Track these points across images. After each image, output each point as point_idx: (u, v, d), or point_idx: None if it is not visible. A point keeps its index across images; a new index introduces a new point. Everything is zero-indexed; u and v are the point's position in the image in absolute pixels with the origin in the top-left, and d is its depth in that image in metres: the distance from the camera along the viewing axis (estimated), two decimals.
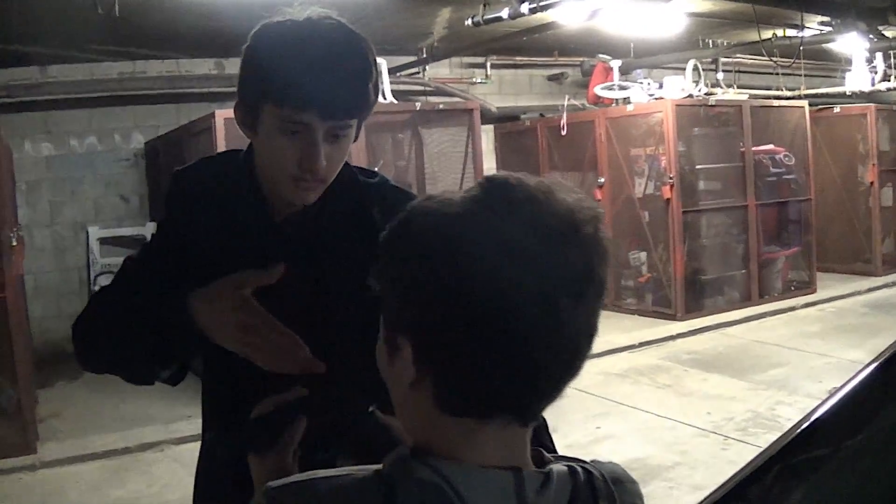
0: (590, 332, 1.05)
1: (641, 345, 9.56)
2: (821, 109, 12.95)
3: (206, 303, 1.64)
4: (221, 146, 7.20)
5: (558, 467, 1.08)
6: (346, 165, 1.83)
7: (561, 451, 1.87)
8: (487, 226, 1.00)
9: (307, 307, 1.76)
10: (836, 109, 13.33)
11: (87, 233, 10.12)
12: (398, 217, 1.08)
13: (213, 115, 7.43)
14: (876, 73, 12.36)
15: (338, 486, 1.03)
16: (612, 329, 10.18)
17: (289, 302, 1.71)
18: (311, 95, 1.63)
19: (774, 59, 10.00)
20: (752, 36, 10.25)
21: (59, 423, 7.21)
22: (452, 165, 8.84)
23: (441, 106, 9.27)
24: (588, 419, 6.71)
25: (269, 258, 1.71)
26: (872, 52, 11.68)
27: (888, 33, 9.52)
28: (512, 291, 0.97)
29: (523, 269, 0.98)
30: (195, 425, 6.76)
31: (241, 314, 1.62)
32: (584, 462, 1.12)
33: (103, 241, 10.12)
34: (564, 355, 1.03)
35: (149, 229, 10.04)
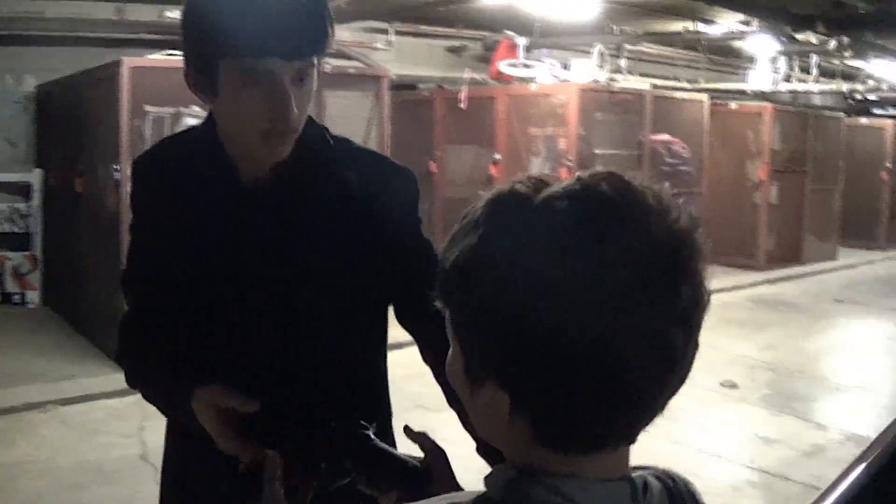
0: (695, 353, 0.95)
1: None
2: (718, 104, 13.18)
3: (199, 412, 1.59)
4: (126, 97, 7.01)
5: (641, 471, 1.01)
6: (312, 120, 1.75)
7: (459, 428, 1.85)
8: (591, 253, 0.87)
9: (281, 276, 1.71)
10: (733, 106, 13.63)
11: None
12: (470, 237, 0.93)
13: (119, 63, 7.12)
14: (778, 73, 12.65)
15: None
16: None
17: (262, 271, 1.69)
18: (270, 38, 1.53)
19: (681, 51, 10.14)
20: (661, 26, 10.37)
21: None
22: (354, 130, 8.67)
23: (352, 71, 9.10)
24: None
25: (242, 225, 1.68)
26: (783, 53, 11.95)
27: (799, 37, 9.74)
28: (626, 330, 0.87)
29: (635, 305, 0.87)
30: (81, 385, 6.67)
31: (222, 434, 1.56)
32: (645, 466, 1.04)
33: None
34: (676, 383, 0.94)
35: (35, 176, 9.71)
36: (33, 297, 9.57)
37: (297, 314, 1.73)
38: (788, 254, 13.87)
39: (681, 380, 0.94)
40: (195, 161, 1.75)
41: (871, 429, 6.49)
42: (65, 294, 9.04)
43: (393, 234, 1.79)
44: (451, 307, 0.97)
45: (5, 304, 9.47)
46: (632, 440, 0.97)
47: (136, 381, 1.83)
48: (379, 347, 1.93)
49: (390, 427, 1.90)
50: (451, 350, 1.00)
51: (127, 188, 6.96)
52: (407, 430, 1.50)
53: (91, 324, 8.08)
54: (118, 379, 6.89)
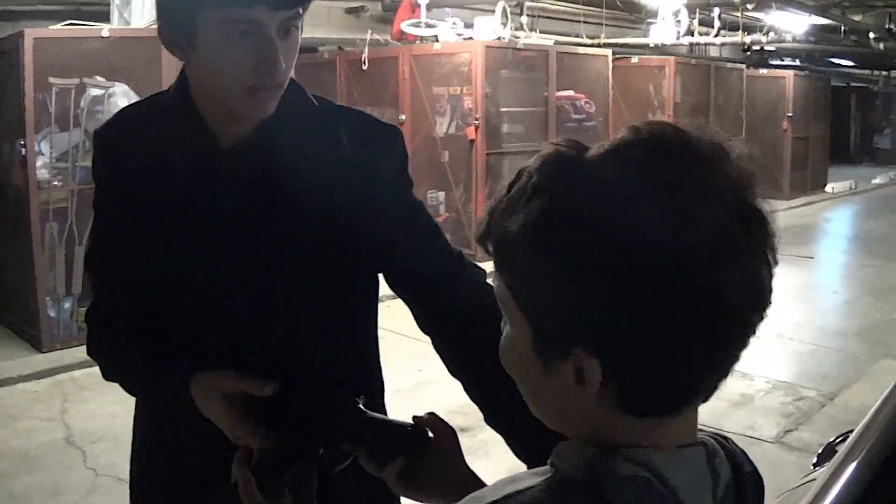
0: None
1: None
2: (619, 59, 13.21)
3: (200, 399, 1.50)
4: (30, 68, 6.68)
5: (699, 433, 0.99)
6: (292, 80, 1.62)
7: (388, 397, 1.80)
8: (680, 196, 0.84)
9: (267, 242, 1.62)
10: (635, 60, 13.72)
11: None
12: (535, 201, 0.88)
13: (20, 34, 6.75)
14: (680, 26, 12.72)
15: None
16: None
17: (245, 237, 1.60)
18: None
19: (582, 6, 10.09)
20: None
21: None
22: None
23: None
24: (408, 363, 6.54)
25: (221, 191, 1.60)
26: (686, 6, 12.02)
27: None
28: (728, 271, 0.84)
29: (735, 244, 0.85)
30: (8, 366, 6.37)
31: (229, 421, 1.47)
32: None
33: None
34: (758, 327, 0.91)
35: None
36: None
37: (286, 283, 1.63)
38: None
39: (760, 323, 0.91)
40: (165, 127, 1.63)
41: (793, 375, 6.58)
42: None
43: (385, 194, 1.69)
44: (519, 278, 0.91)
45: None
46: (711, 396, 0.95)
47: (114, 374, 1.72)
48: (370, 315, 1.83)
49: (382, 397, 1.83)
50: (506, 333, 0.96)
51: (34, 164, 6.68)
52: (415, 418, 1.42)
53: (2, 306, 7.75)
54: (35, 361, 6.68)
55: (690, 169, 0.86)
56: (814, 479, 2.05)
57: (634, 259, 0.82)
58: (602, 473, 0.89)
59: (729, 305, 0.85)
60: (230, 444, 1.45)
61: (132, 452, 1.86)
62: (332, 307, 1.69)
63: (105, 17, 7.68)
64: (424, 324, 1.74)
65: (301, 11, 1.51)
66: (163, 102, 1.68)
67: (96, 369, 1.78)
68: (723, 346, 0.89)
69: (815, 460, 2.61)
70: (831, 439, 2.60)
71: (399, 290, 1.76)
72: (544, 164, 0.91)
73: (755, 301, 0.88)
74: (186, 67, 1.61)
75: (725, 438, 1.00)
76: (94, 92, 6.94)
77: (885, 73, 23.94)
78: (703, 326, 0.85)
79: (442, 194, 10.99)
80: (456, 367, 1.70)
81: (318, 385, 1.44)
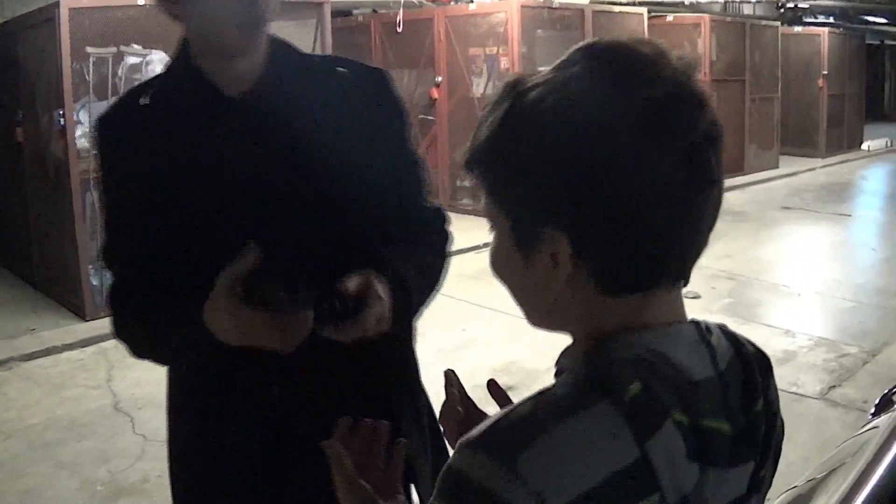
0: (721, 193, 1.01)
1: (486, 245, 9.45)
2: (655, 17, 13.13)
3: (211, 314, 1.59)
4: (66, 39, 6.69)
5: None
6: (274, 37, 1.77)
7: (431, 357, 1.86)
8: (619, 90, 0.94)
9: (283, 186, 1.72)
10: (670, 18, 13.60)
11: None
12: (501, 107, 0.99)
13: (56, 4, 6.75)
14: None
15: (556, 418, 0.93)
16: (453, 230, 10.14)
17: (262, 181, 1.70)
18: None
19: None
20: None
21: None
22: None
23: None
24: (452, 323, 6.67)
25: (232, 138, 1.69)
26: None
27: None
28: (666, 148, 0.93)
29: (672, 123, 0.94)
30: (41, 339, 6.49)
31: (236, 321, 1.57)
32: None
33: None
34: (714, 208, 1.00)
35: None
36: None
37: (294, 221, 1.73)
38: (731, 164, 13.94)
39: (716, 207, 1.00)
40: (170, 94, 1.74)
41: (835, 332, 6.60)
42: (13, 248, 8.74)
43: (379, 139, 1.81)
44: (494, 174, 1.02)
45: None
46: (685, 278, 1.02)
47: (142, 346, 1.82)
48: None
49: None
50: (492, 241, 1.05)
51: (73, 134, 6.73)
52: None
53: (45, 276, 7.84)
54: (80, 329, 6.72)
55: (630, 60, 0.96)
56: (876, 427, 2.13)
57: (586, 141, 0.93)
58: (603, 363, 0.96)
59: (678, 177, 0.93)
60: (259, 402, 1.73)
61: (168, 419, 2.00)
62: (338, 244, 1.75)
63: None
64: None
65: None
66: (164, 77, 1.79)
67: None
68: (680, 217, 0.96)
69: (872, 410, 2.67)
70: (886, 390, 2.66)
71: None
72: (504, 85, 1.01)
73: (704, 176, 0.96)
74: (183, 26, 1.71)
75: (722, 325, 1.07)
76: (132, 60, 6.97)
77: None
78: (658, 196, 0.93)
79: None
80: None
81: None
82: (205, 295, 1.60)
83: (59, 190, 7.14)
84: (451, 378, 1.47)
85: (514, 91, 0.99)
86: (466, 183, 11.22)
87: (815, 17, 18.90)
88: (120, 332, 1.82)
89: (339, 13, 12.04)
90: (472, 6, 10.87)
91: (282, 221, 1.70)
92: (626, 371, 0.94)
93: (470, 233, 9.94)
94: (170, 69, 1.77)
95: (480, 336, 6.54)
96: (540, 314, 1.06)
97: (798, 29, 17.16)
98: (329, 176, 1.71)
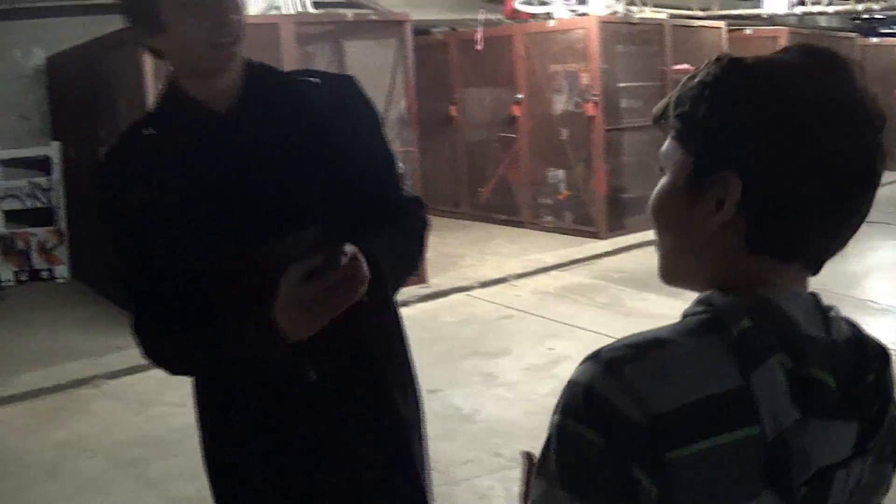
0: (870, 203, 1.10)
1: (570, 263, 9.44)
2: (733, 30, 12.97)
3: (285, 313, 1.72)
4: (149, 59, 6.70)
5: None
6: (256, 62, 1.98)
7: (520, 375, 1.98)
8: (826, 83, 1.05)
9: (271, 188, 1.89)
10: (748, 31, 13.45)
11: None
12: (721, 63, 1.09)
13: None
14: None
15: (668, 340, 1.05)
16: (534, 247, 10.14)
17: (259, 192, 1.87)
18: None
19: None
20: None
21: None
22: (377, 80, 8.48)
23: (373, 17, 8.89)
24: (537, 341, 6.53)
25: (227, 150, 1.87)
26: None
27: None
28: (851, 151, 1.04)
29: (857, 133, 1.04)
30: (127, 357, 6.52)
31: (311, 298, 1.70)
32: None
33: (4, 162, 9.49)
34: (863, 214, 1.09)
35: (53, 149, 9.52)
36: (62, 271, 9.45)
37: (292, 220, 1.87)
38: None
39: (866, 212, 1.09)
40: (165, 117, 1.95)
41: None
42: (96, 266, 8.83)
43: (355, 138, 1.99)
44: (693, 114, 1.09)
45: (34, 280, 9.36)
46: (818, 266, 1.12)
47: (182, 361, 1.98)
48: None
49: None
50: (661, 182, 1.15)
51: None
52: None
53: None
54: None
55: (837, 63, 1.07)
56: None
57: (788, 109, 1.03)
58: (720, 306, 1.06)
59: (849, 171, 1.04)
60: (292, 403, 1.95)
61: (200, 417, 2.17)
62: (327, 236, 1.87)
63: None
64: None
65: None
66: (158, 107, 1.98)
67: None
68: (839, 206, 1.06)
69: None
70: None
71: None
72: (718, 58, 1.11)
73: (867, 178, 1.06)
74: (165, 55, 1.88)
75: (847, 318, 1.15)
76: None
77: None
78: (829, 177, 1.03)
79: (561, 172, 10.96)
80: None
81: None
82: (224, 301, 1.82)
83: None
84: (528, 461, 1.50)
85: (728, 57, 1.09)
86: (548, 200, 11.17)
87: (890, 28, 18.56)
88: (152, 355, 1.96)
89: (418, 32, 12.05)
90: (551, 23, 10.82)
91: (277, 221, 1.86)
92: (739, 312, 1.04)
93: (554, 251, 9.98)
94: (162, 98, 1.97)
95: (569, 354, 6.37)
96: (682, 262, 1.16)
97: (874, 40, 16.86)
98: (314, 175, 1.91)
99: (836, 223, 1.08)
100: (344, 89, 2.04)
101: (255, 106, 1.91)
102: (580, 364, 1.05)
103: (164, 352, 1.96)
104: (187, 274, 1.86)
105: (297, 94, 1.97)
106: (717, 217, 1.07)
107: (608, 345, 1.05)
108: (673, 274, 1.18)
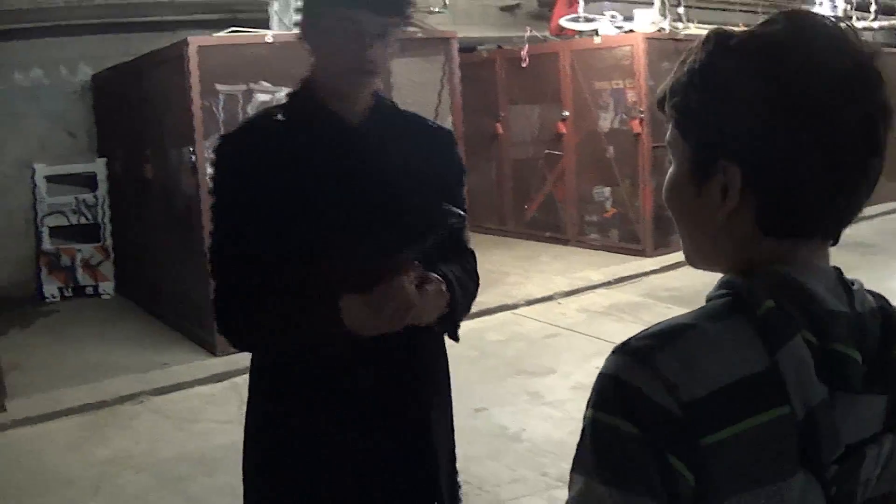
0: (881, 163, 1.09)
1: (616, 281, 9.36)
2: None
3: (353, 309, 1.93)
4: (196, 76, 6.79)
5: None
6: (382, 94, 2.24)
7: (569, 393, 2.01)
8: (815, 51, 1.04)
9: (390, 199, 2.07)
10: None
11: (33, 171, 9.49)
12: (708, 45, 1.10)
13: (185, 42, 6.88)
14: (837, 11, 12.33)
15: (695, 326, 1.06)
16: (581, 264, 10.06)
17: (373, 195, 2.06)
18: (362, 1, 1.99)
19: None
20: None
21: (23, 377, 6.58)
22: (424, 96, 8.46)
23: (420, 34, 8.87)
24: (583, 359, 6.43)
25: (354, 158, 2.08)
26: None
27: None
28: (848, 118, 1.03)
29: (853, 99, 1.03)
30: (172, 374, 6.53)
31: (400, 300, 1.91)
32: None
33: (50, 179, 9.53)
34: (872, 181, 1.08)
35: (99, 166, 9.59)
36: (107, 287, 9.49)
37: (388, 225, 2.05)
38: None
39: (875, 179, 1.08)
40: (292, 121, 2.11)
41: None
42: (141, 283, 8.90)
43: (449, 184, 2.24)
44: (688, 102, 1.11)
45: (79, 296, 9.41)
46: (835, 237, 1.12)
47: (254, 334, 2.12)
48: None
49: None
50: (670, 171, 1.17)
51: (204, 170, 6.78)
52: None
53: (174, 311, 7.93)
54: (211, 365, 6.77)
55: (826, 28, 1.06)
56: None
57: (777, 88, 1.02)
58: (744, 288, 1.07)
59: (850, 136, 1.03)
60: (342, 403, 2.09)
61: (247, 423, 2.43)
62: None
63: (261, 25, 7.79)
64: None
65: (399, 20, 2.05)
66: (284, 105, 2.16)
67: None
68: (845, 175, 1.05)
69: None
70: None
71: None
72: (707, 34, 1.12)
73: (872, 146, 1.05)
74: (313, 60, 2.11)
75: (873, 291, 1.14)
76: (262, 97, 7.03)
77: None
78: (829, 148, 1.02)
79: (608, 189, 10.89)
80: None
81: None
82: (309, 289, 1.97)
83: (188, 226, 7.22)
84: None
85: (718, 36, 1.09)
86: (594, 217, 11.10)
87: None
88: (227, 327, 2.11)
89: (464, 49, 12.05)
90: (597, 40, 10.74)
91: (375, 229, 2.02)
92: (762, 292, 1.04)
93: (600, 268, 9.89)
94: (294, 96, 2.17)
95: None
96: (700, 247, 1.18)
97: None
98: (417, 198, 2.08)
99: (846, 193, 1.07)
100: (447, 139, 2.32)
101: (380, 126, 2.14)
102: (609, 356, 1.06)
103: (238, 323, 2.09)
104: (277, 254, 2.00)
105: (416, 127, 2.27)
106: (724, 205, 1.09)
107: (635, 335, 1.06)
108: (695, 258, 1.20)
